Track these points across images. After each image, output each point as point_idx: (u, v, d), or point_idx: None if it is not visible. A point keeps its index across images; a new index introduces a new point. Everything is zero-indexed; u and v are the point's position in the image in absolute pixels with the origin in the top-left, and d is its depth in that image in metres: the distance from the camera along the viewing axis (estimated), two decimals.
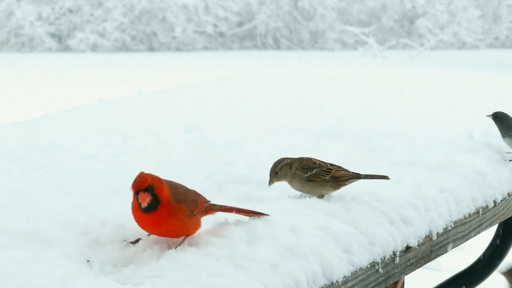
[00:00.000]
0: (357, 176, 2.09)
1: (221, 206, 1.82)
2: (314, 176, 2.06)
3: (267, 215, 1.86)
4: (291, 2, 30.07)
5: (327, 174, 2.07)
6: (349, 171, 2.10)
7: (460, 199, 2.30)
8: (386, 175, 2.13)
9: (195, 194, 1.78)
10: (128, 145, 2.72)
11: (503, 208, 2.55)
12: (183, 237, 1.74)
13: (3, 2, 27.71)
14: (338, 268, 1.79)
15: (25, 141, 2.76)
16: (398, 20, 30.91)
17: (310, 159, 2.11)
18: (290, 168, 2.07)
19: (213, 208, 1.80)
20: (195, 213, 1.74)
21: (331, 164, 2.10)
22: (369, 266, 1.90)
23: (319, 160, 2.12)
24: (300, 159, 2.10)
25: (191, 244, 1.72)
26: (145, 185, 1.68)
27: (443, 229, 2.20)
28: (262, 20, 29.30)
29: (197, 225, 1.75)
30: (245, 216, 1.86)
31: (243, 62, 21.03)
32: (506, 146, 2.77)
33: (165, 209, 1.69)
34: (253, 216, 1.85)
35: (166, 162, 2.45)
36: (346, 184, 2.08)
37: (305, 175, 2.06)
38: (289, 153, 2.53)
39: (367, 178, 2.10)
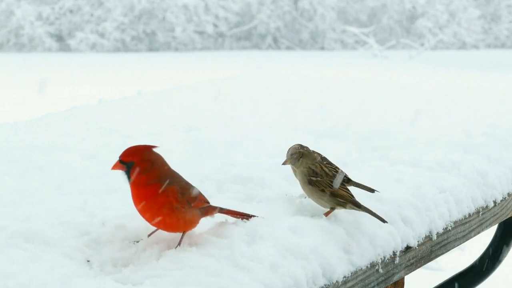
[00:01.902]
0: (356, 205, 1.92)
1: (221, 208, 1.82)
2: (316, 182, 1.94)
3: (262, 218, 1.86)
4: (291, 2, 30.06)
5: (327, 187, 1.93)
6: (352, 196, 1.94)
7: (460, 199, 2.30)
8: (385, 219, 1.96)
9: (195, 189, 1.78)
10: (128, 145, 2.71)
11: (503, 208, 2.55)
12: (182, 234, 1.74)
13: (3, 2, 27.68)
14: (338, 268, 1.79)
15: (25, 141, 2.75)
16: (398, 20, 30.89)
17: (323, 163, 1.98)
18: (300, 157, 1.98)
19: (214, 210, 1.80)
20: (192, 204, 1.74)
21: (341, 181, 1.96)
22: (369, 266, 1.90)
23: (334, 168, 1.99)
24: (314, 158, 1.98)
25: (191, 244, 1.72)
26: (127, 159, 1.76)
27: (443, 229, 2.19)
28: (262, 20, 29.28)
29: (194, 221, 1.75)
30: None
31: (243, 62, 21.01)
32: None
33: (146, 186, 1.71)
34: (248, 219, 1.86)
35: None
36: (345, 207, 1.94)
37: (309, 177, 1.95)
38: None
39: (366, 211, 1.93)
